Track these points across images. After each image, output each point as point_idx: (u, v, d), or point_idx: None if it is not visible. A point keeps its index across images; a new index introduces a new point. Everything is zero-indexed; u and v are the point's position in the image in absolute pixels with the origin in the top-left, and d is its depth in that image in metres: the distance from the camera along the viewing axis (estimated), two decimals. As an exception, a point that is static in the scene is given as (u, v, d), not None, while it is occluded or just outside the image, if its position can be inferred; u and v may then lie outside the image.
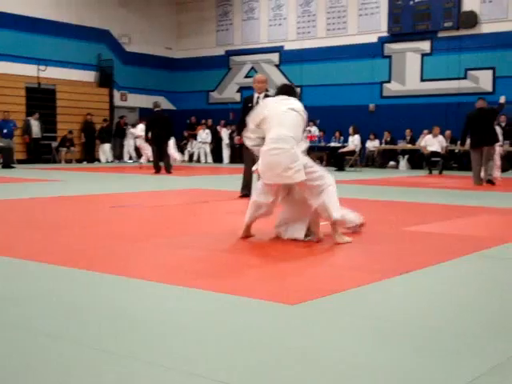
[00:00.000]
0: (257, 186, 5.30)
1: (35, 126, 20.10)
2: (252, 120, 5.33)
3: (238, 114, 23.03)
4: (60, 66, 21.29)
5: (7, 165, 17.22)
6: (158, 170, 15.42)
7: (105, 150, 22.13)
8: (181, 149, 24.35)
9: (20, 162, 19.30)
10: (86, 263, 4.11)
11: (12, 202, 8.35)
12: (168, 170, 15.36)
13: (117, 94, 23.67)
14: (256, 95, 8.93)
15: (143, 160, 18.29)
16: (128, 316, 2.94)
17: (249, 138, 5.44)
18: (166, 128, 15.54)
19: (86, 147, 22.08)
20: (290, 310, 3.05)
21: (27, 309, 3.06)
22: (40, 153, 20.58)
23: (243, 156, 9.53)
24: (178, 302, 3.22)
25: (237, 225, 5.46)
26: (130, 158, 22.50)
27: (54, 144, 21.35)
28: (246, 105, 8.99)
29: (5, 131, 18.38)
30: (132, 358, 2.35)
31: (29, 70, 20.43)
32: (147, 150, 17.48)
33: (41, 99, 20.92)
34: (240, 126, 9.53)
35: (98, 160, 22.05)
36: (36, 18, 20.76)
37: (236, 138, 9.53)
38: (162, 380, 2.16)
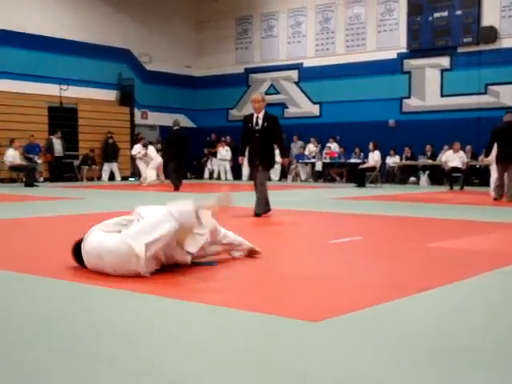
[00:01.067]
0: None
1: (57, 144, 20.34)
2: None
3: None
4: (81, 85, 21.54)
5: (30, 183, 17.41)
6: (177, 188, 15.61)
7: (113, 169, 22.09)
8: (201, 166, 24.54)
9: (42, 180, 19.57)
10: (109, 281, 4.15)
11: (36, 219, 8.44)
12: (178, 187, 15.72)
13: (137, 113, 23.88)
14: (255, 115, 8.81)
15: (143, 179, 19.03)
16: (142, 333, 2.97)
17: None
18: (184, 146, 15.84)
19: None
20: (314, 328, 3.05)
21: (35, 325, 3.09)
22: (62, 171, 20.80)
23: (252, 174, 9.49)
24: (197, 318, 3.24)
25: (258, 242, 5.47)
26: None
27: (76, 162, 21.57)
28: (247, 124, 8.92)
29: (30, 155, 18.76)
30: (144, 375, 2.37)
31: (51, 90, 20.69)
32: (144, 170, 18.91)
33: (63, 118, 21.16)
34: (242, 145, 9.39)
35: (123, 178, 22.16)
36: (58, 38, 21.07)
37: (240, 158, 9.61)
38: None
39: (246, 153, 9.24)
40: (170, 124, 16.66)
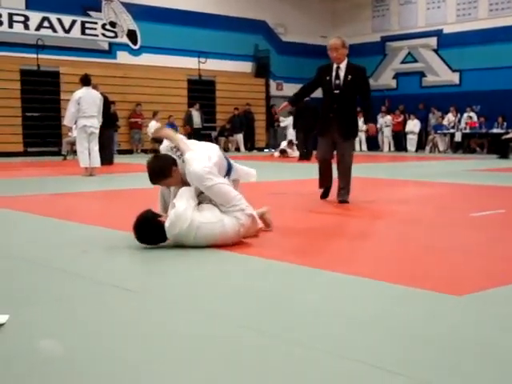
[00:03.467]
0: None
1: (196, 116, 20.96)
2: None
3: (393, 102, 22.83)
4: (219, 57, 22.03)
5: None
6: (303, 158, 15.99)
7: (238, 141, 22.37)
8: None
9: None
10: (245, 249, 4.28)
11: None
12: (308, 157, 16.05)
13: (273, 84, 24.09)
14: (335, 65, 6.70)
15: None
16: (294, 302, 3.04)
17: None
18: (313, 117, 15.99)
19: (246, 136, 22.64)
20: (458, 302, 2.99)
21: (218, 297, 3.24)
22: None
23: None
24: (340, 290, 3.27)
25: (396, 212, 5.41)
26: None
27: (214, 134, 22.16)
28: (324, 77, 6.78)
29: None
30: (296, 344, 2.43)
31: (190, 63, 21.34)
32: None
33: (201, 90, 21.79)
34: (297, 93, 7.36)
35: (258, 148, 22.51)
36: (196, 12, 21.64)
37: (284, 104, 7.38)
38: (334, 368, 2.22)
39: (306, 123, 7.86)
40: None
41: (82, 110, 10.97)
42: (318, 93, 7.23)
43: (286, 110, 7.44)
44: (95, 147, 11.13)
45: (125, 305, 2.97)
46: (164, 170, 4.39)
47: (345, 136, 6.75)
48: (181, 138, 4.66)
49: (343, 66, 6.67)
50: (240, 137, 22.39)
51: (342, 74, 6.65)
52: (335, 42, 6.73)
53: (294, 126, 17.44)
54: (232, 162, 4.81)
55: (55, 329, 2.60)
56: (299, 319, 2.71)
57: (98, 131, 11.29)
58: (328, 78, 6.68)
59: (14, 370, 2.15)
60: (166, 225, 4.14)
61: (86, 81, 11.34)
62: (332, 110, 6.69)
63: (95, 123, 11.18)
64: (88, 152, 11.03)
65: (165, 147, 4.69)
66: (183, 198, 4.21)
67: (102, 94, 13.91)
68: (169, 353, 2.31)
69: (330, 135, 6.72)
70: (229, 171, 4.72)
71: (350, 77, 6.63)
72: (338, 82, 6.64)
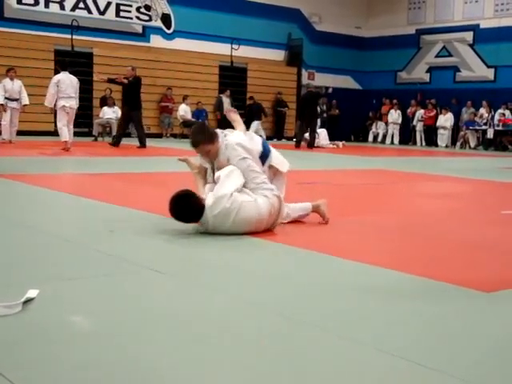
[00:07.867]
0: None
1: (226, 102, 20.89)
2: None
3: (426, 96, 22.55)
4: (252, 44, 21.92)
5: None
6: (299, 145, 16.85)
7: (257, 128, 21.70)
8: (365, 129, 24.28)
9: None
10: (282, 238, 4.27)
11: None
12: (311, 145, 16.76)
13: (305, 73, 23.95)
14: None
15: None
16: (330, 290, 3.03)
17: None
18: (314, 106, 17.01)
19: (276, 125, 22.57)
20: (486, 298, 2.96)
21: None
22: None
23: None
24: (368, 281, 3.25)
25: (426, 208, 5.36)
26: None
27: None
28: None
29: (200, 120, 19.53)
30: (330, 333, 2.43)
31: (222, 49, 21.27)
32: None
33: (232, 77, 21.74)
34: None
35: (287, 138, 22.42)
36: (232, -2, 21.62)
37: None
38: (366, 359, 2.21)
39: None
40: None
41: (62, 91, 12.09)
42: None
43: None
44: (70, 125, 12.43)
45: (153, 286, 2.99)
46: (213, 134, 4.52)
47: None
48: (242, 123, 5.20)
49: None
50: (255, 124, 21.35)
51: None
52: None
53: (301, 115, 17.71)
54: (271, 148, 4.81)
55: (84, 305, 2.62)
56: (341, 312, 2.70)
57: (74, 111, 12.55)
58: None
59: (44, 344, 2.17)
60: (209, 203, 4.07)
61: (63, 65, 12.70)
62: None
63: (73, 104, 12.36)
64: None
65: None
66: (230, 183, 4.19)
67: (136, 76, 14.23)
68: (193, 335, 2.32)
69: None
70: (265, 157, 4.70)
71: None
72: None
